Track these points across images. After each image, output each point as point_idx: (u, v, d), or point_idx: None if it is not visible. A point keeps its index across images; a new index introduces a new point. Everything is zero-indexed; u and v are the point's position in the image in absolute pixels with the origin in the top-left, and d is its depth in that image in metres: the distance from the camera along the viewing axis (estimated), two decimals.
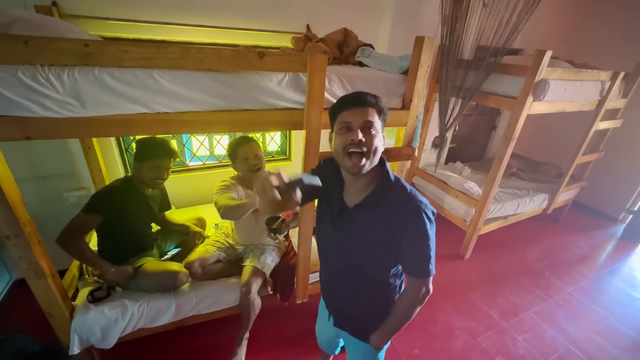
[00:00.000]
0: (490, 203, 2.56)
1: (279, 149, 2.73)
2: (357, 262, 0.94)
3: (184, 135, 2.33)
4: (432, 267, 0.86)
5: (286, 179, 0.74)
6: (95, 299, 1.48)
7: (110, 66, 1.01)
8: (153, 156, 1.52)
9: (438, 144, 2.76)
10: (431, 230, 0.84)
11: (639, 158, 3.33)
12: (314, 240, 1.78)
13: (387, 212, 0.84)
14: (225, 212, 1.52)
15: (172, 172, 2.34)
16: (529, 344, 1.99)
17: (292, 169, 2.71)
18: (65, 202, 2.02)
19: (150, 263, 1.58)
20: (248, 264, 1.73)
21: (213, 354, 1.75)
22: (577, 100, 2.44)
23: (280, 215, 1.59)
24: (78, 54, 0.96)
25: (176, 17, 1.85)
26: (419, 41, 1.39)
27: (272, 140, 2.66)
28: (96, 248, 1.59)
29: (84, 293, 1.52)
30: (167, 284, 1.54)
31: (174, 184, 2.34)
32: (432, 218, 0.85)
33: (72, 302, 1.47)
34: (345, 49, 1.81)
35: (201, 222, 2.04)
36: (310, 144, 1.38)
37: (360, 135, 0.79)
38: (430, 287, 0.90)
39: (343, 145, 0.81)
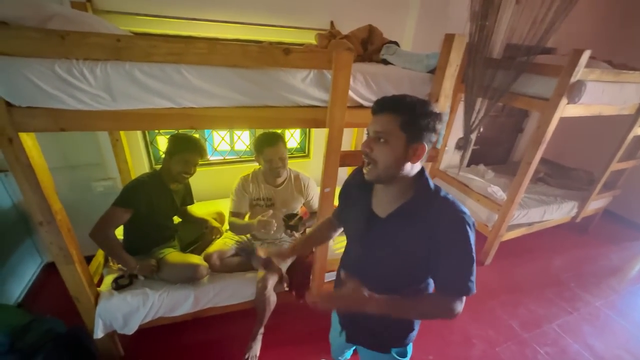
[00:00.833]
0: (515, 209, 2.46)
1: (299, 146, 2.73)
2: (384, 275, 0.88)
3: (206, 130, 2.37)
4: (473, 284, 0.78)
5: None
6: (118, 286, 1.54)
7: (140, 61, 1.03)
8: (183, 150, 1.57)
9: (462, 145, 2.67)
10: (473, 243, 0.77)
11: None
12: (330, 240, 1.77)
13: (426, 222, 0.77)
14: (231, 228, 1.78)
15: None
16: (552, 358, 1.90)
17: (311, 166, 2.70)
18: (93, 191, 2.11)
19: (172, 254, 1.63)
20: None
21: (228, 347, 1.78)
22: (615, 103, 2.29)
23: (298, 212, 1.60)
24: (110, 48, 0.98)
25: (201, 13, 1.87)
26: (449, 39, 1.34)
27: (291, 137, 2.66)
28: (121, 238, 1.65)
29: (108, 280, 1.58)
30: (188, 276, 1.58)
31: (194, 177, 2.37)
32: (474, 230, 0.78)
33: (98, 288, 1.53)
34: (369, 46, 1.78)
35: (220, 217, 2.08)
36: (333, 143, 1.36)
37: (365, 146, 0.77)
38: (462, 307, 0.80)
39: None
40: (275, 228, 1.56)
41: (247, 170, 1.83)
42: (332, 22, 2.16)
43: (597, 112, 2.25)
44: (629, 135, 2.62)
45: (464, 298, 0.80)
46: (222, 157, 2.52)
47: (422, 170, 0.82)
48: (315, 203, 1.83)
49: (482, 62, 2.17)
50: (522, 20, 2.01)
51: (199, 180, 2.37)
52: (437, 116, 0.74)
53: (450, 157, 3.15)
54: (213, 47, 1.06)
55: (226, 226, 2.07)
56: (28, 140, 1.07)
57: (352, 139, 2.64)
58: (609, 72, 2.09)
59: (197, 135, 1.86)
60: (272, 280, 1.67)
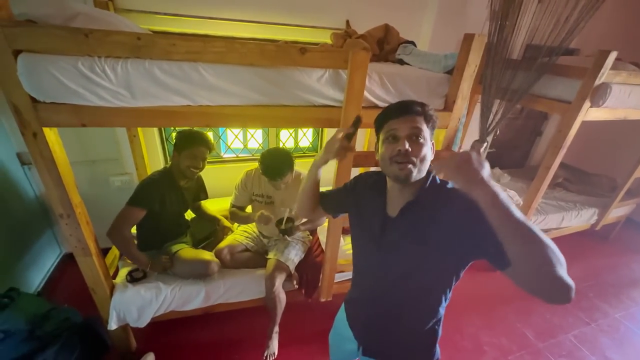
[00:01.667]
0: (532, 214, 2.39)
1: (311, 146, 2.73)
2: (404, 275, 0.85)
3: (220, 128, 2.40)
4: None
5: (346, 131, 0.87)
6: (133, 279, 1.57)
7: (159, 59, 1.05)
8: (191, 145, 1.58)
9: (477, 147, 2.61)
10: None
11: None
12: (342, 240, 1.77)
13: (444, 212, 0.77)
14: (231, 217, 1.86)
15: (207, 162, 2.44)
16: None
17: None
18: (110, 186, 2.17)
19: (185, 250, 1.65)
20: (272, 257, 1.75)
21: (237, 342, 1.80)
22: None
23: (288, 213, 1.61)
24: (131, 46, 1.00)
25: (218, 12, 1.89)
26: (468, 39, 1.31)
27: (304, 136, 2.67)
28: (134, 232, 1.68)
29: (123, 272, 1.62)
30: (200, 272, 1.60)
31: (208, 174, 2.41)
32: None
33: (113, 280, 1.57)
34: (385, 46, 1.76)
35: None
36: None
37: (407, 145, 0.76)
38: None
39: (390, 155, 0.78)
40: (270, 225, 1.66)
41: (254, 166, 1.84)
42: (347, 22, 2.14)
43: (623, 116, 2.16)
44: None
45: None
46: (235, 155, 2.55)
47: (430, 167, 0.84)
48: None
49: (501, 62, 2.11)
50: (545, 20, 1.95)
51: (212, 177, 2.41)
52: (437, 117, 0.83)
53: None
54: (231, 46, 1.07)
55: (236, 225, 2.09)
56: (51, 135, 1.11)
57: (364, 140, 2.62)
58: (636, 75, 2.00)
59: (207, 131, 1.87)
60: (280, 278, 1.68)
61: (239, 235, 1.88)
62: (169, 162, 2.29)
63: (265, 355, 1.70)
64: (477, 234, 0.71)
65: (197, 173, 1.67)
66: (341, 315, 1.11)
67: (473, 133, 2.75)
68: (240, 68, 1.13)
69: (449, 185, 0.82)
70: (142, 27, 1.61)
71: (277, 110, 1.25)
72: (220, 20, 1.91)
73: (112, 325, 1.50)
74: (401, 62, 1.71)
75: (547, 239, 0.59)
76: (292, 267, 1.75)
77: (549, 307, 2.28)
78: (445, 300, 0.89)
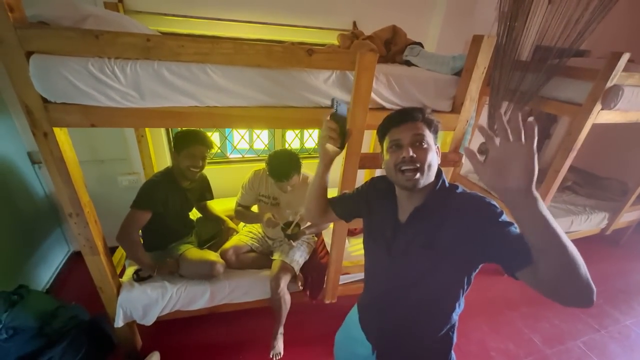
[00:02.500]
0: None
1: (317, 147, 2.73)
2: (418, 282, 0.84)
3: (226, 129, 2.41)
4: None
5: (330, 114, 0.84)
6: (139, 277, 1.58)
7: (168, 60, 1.06)
8: (189, 144, 1.55)
9: (484, 150, 2.58)
10: (503, 212, 0.73)
11: None
12: (347, 242, 1.76)
13: (453, 216, 0.77)
14: (237, 217, 1.87)
15: (214, 162, 2.46)
16: None
17: None
18: (118, 185, 2.19)
19: (190, 251, 1.66)
20: (277, 258, 1.75)
21: (241, 342, 1.81)
22: None
23: (295, 219, 1.61)
24: (140, 48, 1.01)
25: (226, 14, 1.91)
26: (477, 40, 1.30)
27: (310, 137, 2.67)
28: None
29: (130, 271, 1.63)
30: (205, 273, 1.61)
31: (214, 175, 2.42)
32: (496, 203, 0.75)
33: (120, 279, 1.58)
34: (392, 47, 1.75)
35: None
36: (353, 144, 1.35)
37: (411, 152, 0.76)
38: None
39: (394, 163, 0.78)
40: (276, 228, 1.67)
41: (262, 166, 1.83)
42: (354, 23, 2.14)
43: (635, 119, 2.12)
44: None
45: None
46: (241, 156, 2.56)
47: (439, 172, 0.84)
48: None
49: (510, 64, 2.09)
50: (555, 22, 1.92)
51: (218, 177, 2.42)
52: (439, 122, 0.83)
53: None
54: (239, 48, 1.07)
55: (240, 225, 2.09)
56: (61, 135, 1.12)
57: (370, 141, 2.61)
58: None
59: (212, 132, 1.86)
60: (285, 279, 1.68)
61: (244, 236, 1.89)
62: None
63: (271, 355, 1.70)
64: (490, 238, 0.71)
65: (197, 173, 1.63)
66: (353, 317, 1.10)
67: (480, 135, 2.73)
68: (247, 69, 1.14)
69: (459, 190, 0.81)
70: (151, 28, 1.62)
71: (283, 111, 1.25)
72: (228, 22, 1.92)
73: (119, 322, 1.51)
74: (408, 63, 1.70)
75: (570, 241, 0.58)
76: (297, 269, 1.75)
77: (556, 313, 2.24)
78: (459, 307, 0.88)
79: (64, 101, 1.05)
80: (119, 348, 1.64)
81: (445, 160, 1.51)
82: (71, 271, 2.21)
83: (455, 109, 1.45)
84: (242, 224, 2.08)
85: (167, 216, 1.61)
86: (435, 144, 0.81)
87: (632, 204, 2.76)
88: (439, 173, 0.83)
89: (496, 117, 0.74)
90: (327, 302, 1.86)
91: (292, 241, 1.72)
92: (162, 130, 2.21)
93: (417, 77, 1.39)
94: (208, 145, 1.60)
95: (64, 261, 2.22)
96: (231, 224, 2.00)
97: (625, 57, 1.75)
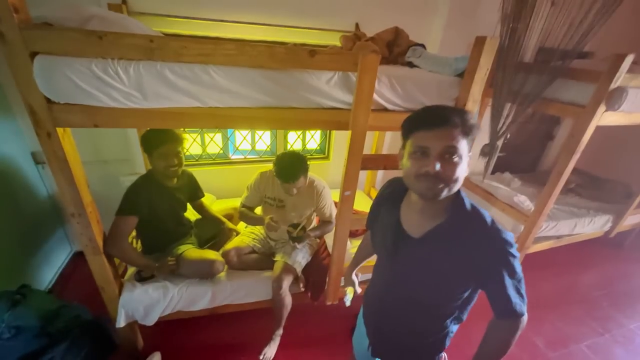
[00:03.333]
0: (543, 220, 2.34)
1: (318, 148, 2.73)
2: (416, 295, 0.84)
3: (228, 129, 2.41)
4: (524, 306, 0.76)
5: None
6: (141, 278, 1.59)
7: (171, 61, 1.06)
8: (157, 145, 1.49)
9: (487, 152, 2.57)
10: (519, 266, 0.74)
11: None
12: (349, 243, 1.76)
13: (466, 247, 0.73)
14: (240, 218, 1.84)
15: (215, 163, 2.46)
16: None
17: (330, 168, 2.69)
18: (121, 186, 2.19)
19: (189, 251, 1.65)
20: (279, 259, 1.75)
21: (242, 343, 1.80)
22: None
23: (301, 222, 1.62)
24: (144, 49, 1.02)
25: (229, 15, 1.91)
26: (480, 42, 1.29)
27: (311, 139, 2.67)
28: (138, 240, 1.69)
29: (131, 271, 1.64)
30: (205, 271, 1.61)
31: (216, 175, 2.44)
32: (516, 249, 0.74)
33: (122, 279, 1.58)
34: (395, 49, 1.75)
35: (236, 212, 2.09)
36: (355, 146, 1.35)
37: (438, 166, 0.66)
38: (525, 319, 0.79)
39: (416, 173, 0.70)
40: (278, 231, 1.68)
41: (268, 167, 1.83)
42: (357, 24, 2.14)
43: (639, 121, 2.10)
44: None
45: (523, 316, 0.78)
46: (243, 157, 2.56)
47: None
48: (327, 212, 1.79)
49: (513, 66, 2.08)
50: (558, 23, 1.91)
51: (219, 178, 2.43)
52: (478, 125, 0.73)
53: (474, 164, 3.04)
54: (241, 48, 1.08)
55: (241, 226, 2.09)
56: (64, 135, 1.13)
57: (372, 142, 2.61)
58: None
59: (214, 132, 1.83)
60: (287, 281, 1.68)
61: (247, 237, 1.89)
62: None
63: (261, 357, 1.69)
64: (490, 281, 0.75)
65: (177, 170, 1.57)
66: (361, 312, 1.12)
67: (483, 137, 2.71)
68: (250, 70, 1.14)
69: (487, 219, 0.74)
70: (154, 29, 1.63)
71: (286, 112, 1.25)
72: (231, 23, 1.92)
73: (121, 323, 1.51)
74: (411, 65, 1.69)
75: (502, 342, 0.83)
76: (299, 270, 1.74)
77: (560, 316, 2.22)
78: (458, 320, 0.88)
79: (67, 101, 1.05)
80: (120, 348, 1.64)
81: None
82: (73, 271, 2.22)
83: None
84: (242, 224, 2.08)
85: (158, 218, 1.58)
86: (469, 153, 0.71)
87: (636, 206, 2.74)
88: (458, 190, 0.76)
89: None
90: (329, 303, 1.85)
91: (296, 244, 1.72)
92: None
93: (420, 79, 1.39)
94: (178, 141, 1.53)
95: (66, 261, 2.23)
96: (230, 225, 1.99)
97: (630, 58, 1.75)
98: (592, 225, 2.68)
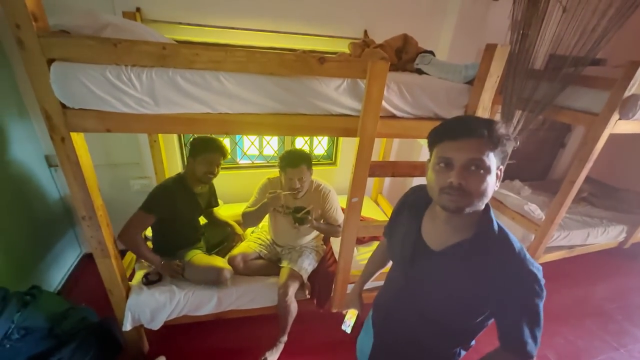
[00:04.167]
0: (554, 230, 2.29)
1: (325, 154, 2.73)
2: (427, 308, 0.81)
3: (237, 135, 2.44)
4: (535, 349, 0.71)
5: None
6: (148, 281, 1.60)
7: (182, 68, 1.08)
8: (206, 151, 1.59)
9: None
10: (541, 307, 0.68)
11: None
12: (355, 250, 1.74)
13: (486, 269, 0.69)
14: (243, 220, 1.76)
15: (223, 168, 2.47)
16: None
17: (337, 174, 2.69)
18: (130, 189, 2.23)
19: (198, 256, 1.67)
20: (285, 266, 1.74)
21: (247, 349, 1.79)
22: None
23: (310, 214, 1.60)
24: (156, 55, 1.04)
25: (239, 22, 1.94)
26: (490, 49, 1.28)
27: (319, 144, 2.67)
28: (150, 239, 1.72)
29: (139, 275, 1.65)
30: (212, 279, 1.61)
31: (223, 180, 2.44)
32: (544, 290, 0.68)
33: (129, 282, 1.60)
34: (403, 56, 1.75)
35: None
36: (363, 153, 1.35)
37: (460, 179, 0.64)
38: None
39: (440, 186, 0.67)
40: (282, 201, 1.64)
41: (275, 174, 1.84)
42: (365, 31, 2.15)
43: None
44: None
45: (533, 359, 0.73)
46: (250, 162, 2.58)
47: (487, 205, 0.72)
48: (333, 214, 1.78)
49: (523, 73, 2.06)
50: (570, 30, 1.89)
51: (227, 183, 2.44)
52: (513, 139, 0.70)
53: None
54: (251, 56, 1.09)
55: (248, 231, 2.09)
56: (78, 140, 1.15)
57: (380, 149, 2.60)
58: None
59: (223, 138, 1.89)
60: (293, 288, 1.67)
61: (253, 242, 1.89)
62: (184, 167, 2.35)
63: (262, 359, 1.68)
64: (509, 312, 0.70)
65: (212, 178, 1.68)
66: (369, 315, 1.09)
67: None
68: (259, 77, 1.15)
69: (516, 245, 0.70)
70: (167, 36, 1.66)
71: (294, 118, 1.25)
72: (241, 30, 1.95)
73: (127, 326, 1.52)
74: (419, 71, 1.69)
75: None
76: (305, 277, 1.73)
77: (572, 329, 2.16)
78: (467, 347, 0.85)
79: (81, 107, 1.08)
80: (126, 351, 1.64)
81: None
82: (82, 273, 2.25)
83: None
84: (249, 230, 2.08)
85: (178, 221, 1.63)
86: (499, 166, 0.68)
87: None
88: (487, 209, 0.72)
89: None
90: (334, 311, 1.84)
91: (297, 225, 1.69)
92: (175, 136, 2.25)
93: (429, 86, 1.38)
94: (224, 153, 1.65)
95: (75, 263, 2.26)
96: (238, 229, 2.00)
97: None
98: (605, 236, 2.61)
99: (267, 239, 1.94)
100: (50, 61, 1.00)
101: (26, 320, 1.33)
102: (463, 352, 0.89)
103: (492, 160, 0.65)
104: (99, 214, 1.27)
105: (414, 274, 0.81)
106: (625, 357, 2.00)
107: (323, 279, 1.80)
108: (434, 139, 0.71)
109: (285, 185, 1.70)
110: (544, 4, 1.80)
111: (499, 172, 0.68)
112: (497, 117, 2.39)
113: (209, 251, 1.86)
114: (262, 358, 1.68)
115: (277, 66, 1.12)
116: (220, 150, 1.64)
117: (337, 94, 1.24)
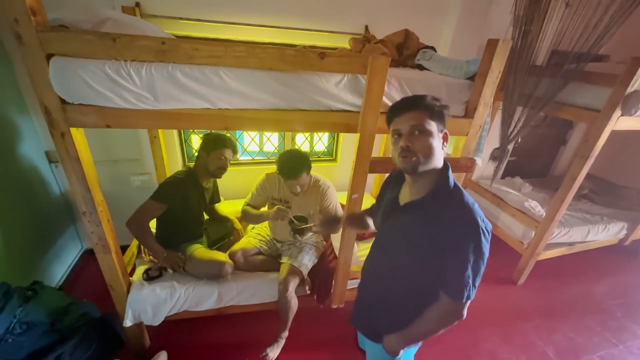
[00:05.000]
0: (555, 226, 2.28)
1: (326, 150, 2.73)
2: (394, 259, 0.94)
3: (237, 131, 2.43)
4: (472, 292, 0.82)
5: None
6: (149, 277, 1.60)
7: (182, 63, 1.07)
8: (220, 147, 1.64)
9: (497, 156, 2.53)
10: (486, 251, 0.79)
11: None
12: (355, 246, 1.75)
13: (440, 219, 0.81)
14: (243, 216, 1.81)
15: None
16: None
17: (338, 170, 2.69)
18: (131, 185, 2.23)
19: (199, 250, 1.68)
20: (286, 262, 1.74)
21: (247, 344, 1.80)
22: None
23: (309, 223, 1.60)
24: (156, 50, 1.03)
25: (239, 17, 1.93)
26: (492, 44, 1.28)
27: (319, 141, 2.66)
28: (154, 231, 1.72)
29: (140, 270, 1.65)
30: (213, 273, 1.62)
31: (224, 177, 2.44)
32: (488, 237, 0.80)
33: (130, 278, 1.60)
34: (404, 51, 1.74)
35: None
36: (363, 148, 1.34)
37: (407, 142, 0.81)
38: (465, 312, 0.86)
39: (397, 153, 0.84)
40: (289, 218, 1.60)
41: (273, 169, 1.83)
42: (366, 27, 2.14)
43: None
44: None
45: (465, 304, 0.84)
46: (250, 158, 2.57)
47: (446, 166, 0.87)
48: (332, 211, 1.78)
49: (525, 69, 2.05)
50: (572, 25, 1.87)
51: (227, 179, 2.43)
52: (447, 107, 0.86)
53: (483, 168, 3.00)
54: (251, 51, 1.08)
55: (248, 227, 2.09)
56: (77, 135, 1.15)
57: (380, 145, 2.59)
58: None
59: (219, 132, 1.90)
60: (294, 283, 1.67)
61: (253, 238, 1.89)
62: (187, 163, 2.35)
63: (262, 354, 1.68)
64: (445, 256, 0.80)
65: (224, 172, 1.71)
66: None
67: (493, 141, 2.69)
68: (259, 72, 1.14)
69: (468, 199, 0.82)
70: (166, 32, 1.66)
71: (294, 114, 1.25)
72: (241, 25, 1.94)
73: (128, 322, 1.53)
74: (420, 67, 1.68)
75: (430, 332, 0.91)
76: (305, 273, 1.74)
77: (572, 325, 2.16)
78: (435, 297, 0.90)
79: (81, 102, 1.07)
80: (127, 346, 1.66)
81: (457, 165, 1.48)
82: (83, 268, 2.26)
83: (468, 113, 1.43)
84: (250, 226, 2.09)
85: (186, 213, 1.66)
86: (441, 130, 0.84)
87: None
88: (446, 166, 0.86)
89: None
90: (334, 306, 1.84)
91: (297, 236, 1.69)
92: (175, 132, 2.24)
93: (430, 81, 1.38)
94: (235, 150, 1.72)
95: (76, 258, 2.27)
96: (238, 225, 2.01)
97: None
98: (606, 233, 2.61)
99: (268, 235, 1.94)
100: (49, 56, 0.99)
101: (28, 315, 1.34)
102: None
103: (432, 124, 0.82)
104: (99, 209, 1.27)
105: (385, 229, 0.97)
106: (625, 353, 2.00)
107: (323, 275, 1.81)
108: (388, 119, 0.89)
109: (286, 190, 1.74)
110: None
111: (443, 135, 0.85)
112: (499, 113, 2.38)
113: (210, 247, 1.87)
114: (263, 354, 1.69)
115: (277, 61, 1.12)
116: (233, 147, 1.70)
117: (338, 90, 1.24)
